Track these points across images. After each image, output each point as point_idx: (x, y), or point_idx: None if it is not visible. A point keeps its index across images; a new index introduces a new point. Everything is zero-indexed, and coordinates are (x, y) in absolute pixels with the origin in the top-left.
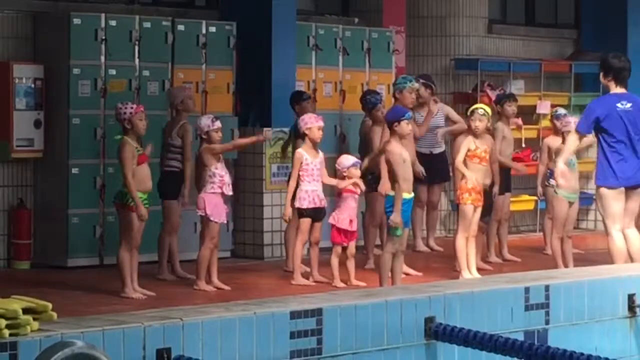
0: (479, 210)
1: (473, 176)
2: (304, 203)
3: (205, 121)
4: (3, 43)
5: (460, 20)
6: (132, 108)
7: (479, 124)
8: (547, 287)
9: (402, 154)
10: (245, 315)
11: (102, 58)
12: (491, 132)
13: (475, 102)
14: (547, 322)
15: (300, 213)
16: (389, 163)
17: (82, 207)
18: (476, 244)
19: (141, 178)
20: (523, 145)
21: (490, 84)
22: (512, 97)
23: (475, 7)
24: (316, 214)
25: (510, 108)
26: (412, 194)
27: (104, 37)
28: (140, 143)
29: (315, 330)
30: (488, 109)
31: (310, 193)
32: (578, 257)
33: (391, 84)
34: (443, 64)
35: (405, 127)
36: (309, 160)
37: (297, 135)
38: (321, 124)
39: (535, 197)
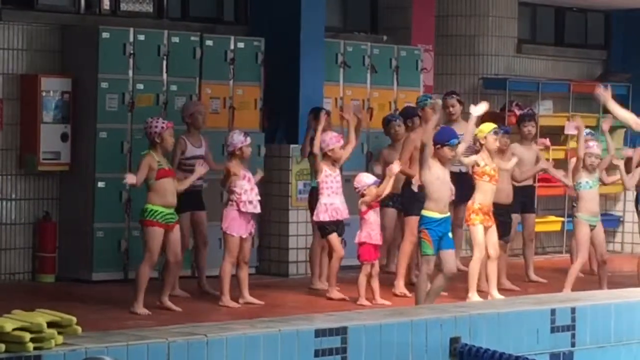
0: (493, 230)
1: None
2: (322, 216)
3: (239, 137)
4: (32, 56)
5: (489, 40)
6: (164, 123)
7: (495, 144)
8: (573, 310)
9: (437, 174)
10: (270, 332)
11: (130, 72)
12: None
13: (503, 122)
14: (573, 345)
15: (323, 229)
16: (425, 183)
17: (107, 221)
18: (499, 264)
19: (161, 192)
20: None
21: (519, 104)
22: (528, 118)
23: (505, 27)
24: (337, 228)
25: (526, 128)
26: (446, 215)
27: (132, 52)
28: (167, 158)
29: (340, 349)
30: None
31: (329, 206)
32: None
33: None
34: (471, 83)
35: (448, 152)
36: (329, 172)
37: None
38: (342, 142)
39: (562, 219)
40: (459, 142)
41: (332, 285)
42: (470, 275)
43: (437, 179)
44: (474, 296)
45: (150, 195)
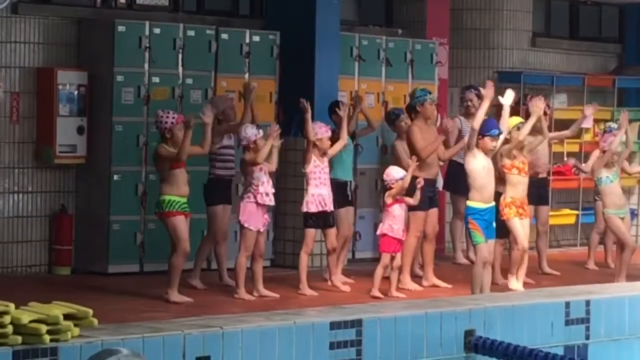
0: (525, 223)
1: None
2: (311, 207)
3: (252, 130)
4: (48, 49)
5: (504, 33)
6: (173, 118)
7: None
8: (587, 302)
9: (483, 163)
10: (285, 325)
11: (146, 65)
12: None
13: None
14: (587, 337)
15: (306, 220)
16: (470, 172)
17: (123, 214)
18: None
19: (176, 182)
20: (565, 158)
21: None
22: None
23: (519, 20)
24: (323, 220)
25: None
26: (491, 204)
27: (148, 45)
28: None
29: (355, 341)
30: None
31: (317, 197)
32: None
33: (408, 97)
34: (486, 77)
35: (489, 143)
36: (317, 162)
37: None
38: (330, 133)
39: (576, 212)
40: (500, 133)
41: (303, 282)
42: (512, 263)
43: (483, 168)
44: (514, 283)
45: (165, 186)
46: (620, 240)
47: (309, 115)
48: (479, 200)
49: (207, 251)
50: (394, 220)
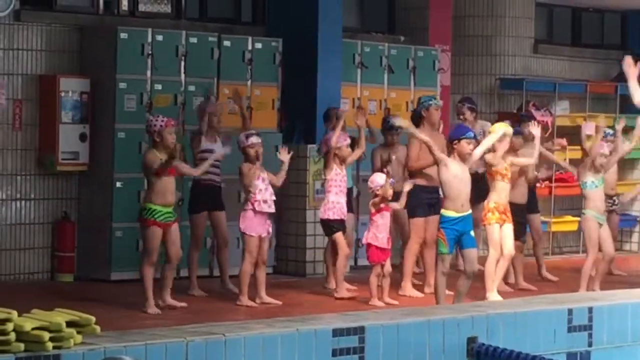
0: (509, 229)
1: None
2: (330, 214)
3: (241, 138)
4: (50, 56)
5: (506, 40)
6: (162, 121)
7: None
8: (590, 309)
9: (455, 172)
10: (288, 332)
11: (148, 73)
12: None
13: (519, 122)
14: (590, 344)
15: (330, 228)
16: (441, 180)
17: (125, 221)
18: (516, 264)
19: (161, 191)
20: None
21: (535, 104)
22: (527, 118)
23: (521, 27)
24: (341, 226)
25: (526, 129)
26: (465, 213)
27: (150, 52)
28: (170, 156)
29: (357, 348)
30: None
31: (336, 204)
32: (621, 280)
33: (415, 104)
34: (488, 83)
35: (466, 146)
36: (338, 171)
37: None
38: (349, 141)
39: (578, 218)
40: (474, 136)
41: (340, 285)
42: (486, 275)
43: (455, 177)
44: (492, 296)
45: (150, 194)
46: (587, 245)
47: (338, 128)
48: (452, 209)
49: (196, 259)
50: (378, 229)
